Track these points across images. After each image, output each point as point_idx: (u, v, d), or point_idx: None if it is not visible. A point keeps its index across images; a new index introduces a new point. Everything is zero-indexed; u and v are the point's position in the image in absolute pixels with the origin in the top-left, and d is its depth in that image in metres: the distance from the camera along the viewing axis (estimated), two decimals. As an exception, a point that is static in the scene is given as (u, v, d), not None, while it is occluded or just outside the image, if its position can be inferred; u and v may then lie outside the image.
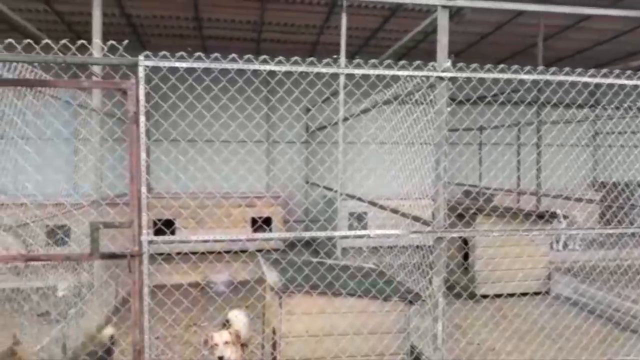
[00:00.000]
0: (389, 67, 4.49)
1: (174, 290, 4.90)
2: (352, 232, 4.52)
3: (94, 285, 6.66)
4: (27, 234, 5.50)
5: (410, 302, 4.93)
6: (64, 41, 3.93)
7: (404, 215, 5.02)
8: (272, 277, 5.16)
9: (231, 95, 4.94)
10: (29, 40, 3.92)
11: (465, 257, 8.72)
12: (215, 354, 4.36)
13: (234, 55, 4.11)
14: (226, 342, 4.36)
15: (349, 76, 4.99)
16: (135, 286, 4.04)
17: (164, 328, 6.03)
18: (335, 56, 4.52)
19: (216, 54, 4.04)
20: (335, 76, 8.62)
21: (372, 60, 4.51)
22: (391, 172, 5.96)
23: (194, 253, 5.22)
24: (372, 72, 4.43)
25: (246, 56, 4.18)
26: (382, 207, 5.31)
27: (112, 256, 4.06)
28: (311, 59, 4.33)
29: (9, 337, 4.36)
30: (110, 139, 5.69)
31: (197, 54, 4.04)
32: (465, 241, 8.67)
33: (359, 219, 11.97)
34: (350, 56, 10.97)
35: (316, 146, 9.89)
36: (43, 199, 5.04)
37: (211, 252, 5.56)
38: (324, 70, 4.33)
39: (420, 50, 12.71)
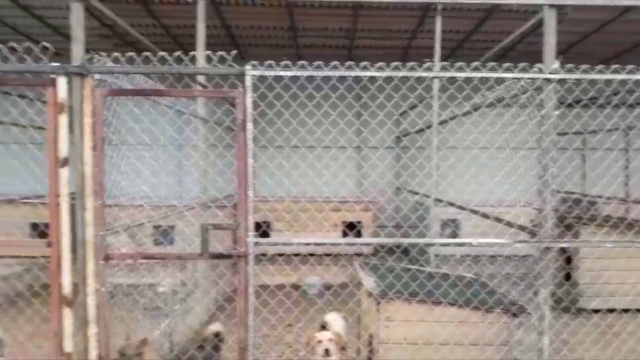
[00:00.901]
0: (492, 69, 4.35)
1: (276, 291, 5.04)
2: (453, 240, 4.42)
3: (199, 283, 7.02)
4: (141, 234, 5.91)
5: (514, 315, 4.73)
6: (177, 53, 4.20)
7: (508, 224, 4.83)
8: (369, 282, 5.16)
9: (324, 102, 5.03)
10: (147, 54, 4.20)
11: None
12: (318, 350, 4.41)
13: (335, 62, 4.18)
14: (330, 339, 4.42)
15: (444, 80, 4.84)
16: (241, 286, 4.20)
17: (267, 327, 6.20)
18: (426, 60, 4.45)
19: (319, 62, 4.13)
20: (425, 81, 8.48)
21: (475, 63, 4.39)
22: (489, 178, 5.76)
23: (286, 255, 5.34)
24: (474, 74, 4.32)
25: (347, 63, 4.24)
26: (484, 216, 5.15)
27: (220, 256, 4.26)
28: (412, 63, 4.30)
29: (125, 330, 4.72)
30: (220, 145, 5.98)
31: (300, 62, 4.15)
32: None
33: (452, 226, 11.65)
34: (444, 59, 10.74)
35: (408, 151, 9.78)
36: (157, 201, 5.39)
37: (302, 255, 5.67)
38: (424, 74, 4.29)
39: (517, 52, 12.17)
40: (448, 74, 4.25)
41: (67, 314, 4.19)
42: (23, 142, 8.96)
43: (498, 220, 4.92)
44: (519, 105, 4.85)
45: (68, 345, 4.18)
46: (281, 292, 4.98)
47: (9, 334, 6.07)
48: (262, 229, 9.96)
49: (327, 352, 4.45)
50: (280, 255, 5.68)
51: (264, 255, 4.46)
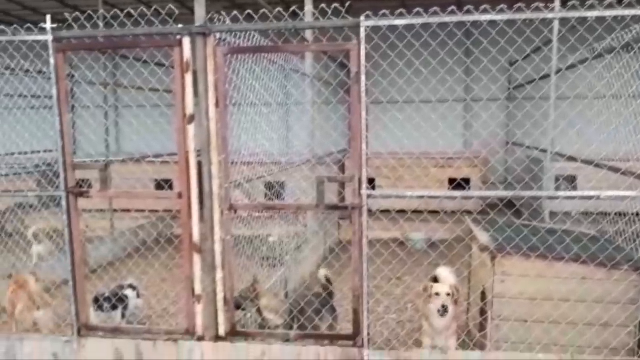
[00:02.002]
0: (629, 6, 3.93)
1: (389, 244, 5.11)
2: (579, 193, 4.18)
3: (312, 234, 7.31)
4: (258, 187, 6.25)
5: (644, 273, 4.42)
6: (293, 8, 4.27)
7: (640, 176, 4.45)
8: (483, 237, 5.06)
9: (439, 50, 4.86)
10: (264, 10, 4.29)
11: None
12: (434, 306, 4.39)
13: (453, 7, 4.01)
14: (448, 294, 4.38)
15: (565, 23, 4.42)
16: (356, 236, 4.31)
17: (379, 279, 6.32)
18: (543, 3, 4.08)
19: (435, 8, 3.98)
20: (545, 25, 7.82)
21: (608, 1, 3.99)
22: (615, 130, 5.31)
23: (392, 211, 5.35)
24: (609, 13, 3.89)
25: (465, 7, 4.04)
26: (612, 169, 4.78)
27: (335, 207, 4.39)
28: (536, 4, 4.01)
29: (248, 276, 5.06)
30: (334, 100, 6.06)
31: (415, 10, 4.03)
32: None
33: (569, 181, 10.94)
34: (563, 2, 9.90)
35: (522, 104, 9.21)
36: (275, 155, 5.61)
37: (407, 212, 5.69)
38: (550, 15, 4.01)
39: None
40: (577, 14, 3.91)
41: (197, 260, 4.55)
42: (152, 104, 9.61)
43: (629, 173, 4.56)
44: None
45: (198, 288, 4.57)
46: (391, 246, 5.03)
47: (147, 277, 6.77)
48: (373, 184, 10.05)
49: (444, 310, 4.30)
50: (385, 211, 5.73)
51: (370, 210, 4.48)
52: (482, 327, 4.92)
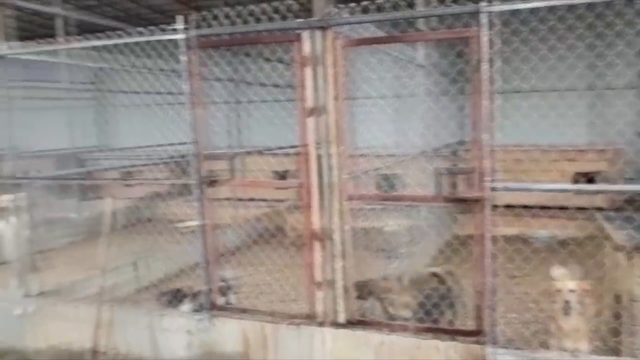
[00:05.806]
0: None
1: (513, 240, 4.88)
2: None
3: (426, 227, 7.19)
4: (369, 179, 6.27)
5: None
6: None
7: None
8: (619, 235, 4.66)
9: (559, 37, 4.52)
10: (379, 1, 4.26)
11: None
12: (556, 303, 4.12)
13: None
14: (571, 291, 4.07)
15: None
16: (478, 231, 4.15)
17: (503, 276, 6.05)
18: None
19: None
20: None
21: None
22: None
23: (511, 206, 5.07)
24: None
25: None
26: None
27: (456, 200, 4.27)
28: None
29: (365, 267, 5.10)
30: (453, 91, 5.91)
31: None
32: None
33: None
34: None
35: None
36: (392, 148, 5.60)
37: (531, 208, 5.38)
38: None
39: None
40: None
41: (317, 248, 4.67)
42: (274, 98, 9.99)
43: None
44: None
45: (318, 275, 4.69)
46: (513, 242, 4.79)
47: (271, 261, 7.07)
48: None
49: (567, 307, 4.03)
50: (508, 207, 5.45)
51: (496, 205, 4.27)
52: (616, 331, 4.55)
